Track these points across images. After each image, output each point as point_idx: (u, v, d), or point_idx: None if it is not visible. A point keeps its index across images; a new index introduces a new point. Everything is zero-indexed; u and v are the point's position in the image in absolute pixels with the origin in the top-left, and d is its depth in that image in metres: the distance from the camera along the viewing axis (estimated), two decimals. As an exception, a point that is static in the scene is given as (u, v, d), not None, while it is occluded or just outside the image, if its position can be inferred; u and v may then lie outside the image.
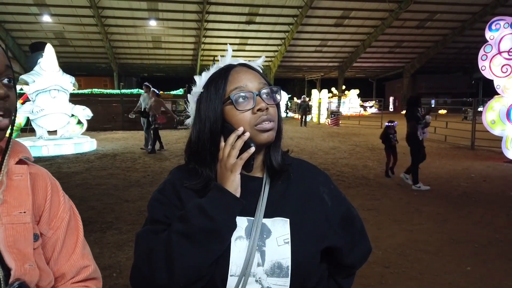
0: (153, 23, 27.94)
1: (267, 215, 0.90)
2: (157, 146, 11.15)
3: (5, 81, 0.77)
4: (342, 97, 34.49)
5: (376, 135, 16.08)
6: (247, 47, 32.23)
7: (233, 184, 0.86)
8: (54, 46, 11.74)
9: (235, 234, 0.87)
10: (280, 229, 0.90)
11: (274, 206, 0.92)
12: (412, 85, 41.15)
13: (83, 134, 12.36)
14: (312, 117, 26.12)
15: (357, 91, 35.27)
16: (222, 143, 0.90)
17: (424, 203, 5.80)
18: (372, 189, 6.62)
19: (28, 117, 11.14)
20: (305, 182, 0.99)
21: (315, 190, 0.98)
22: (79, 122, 12.18)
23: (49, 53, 11.02)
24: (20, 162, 0.83)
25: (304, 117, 22.18)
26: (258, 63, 1.02)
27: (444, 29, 32.11)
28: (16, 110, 0.82)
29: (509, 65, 9.16)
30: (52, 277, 0.82)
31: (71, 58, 31.25)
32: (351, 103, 34.64)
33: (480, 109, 16.01)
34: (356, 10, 28.02)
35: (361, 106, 35.69)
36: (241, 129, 0.88)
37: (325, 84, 33.60)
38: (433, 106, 22.39)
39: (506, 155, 9.37)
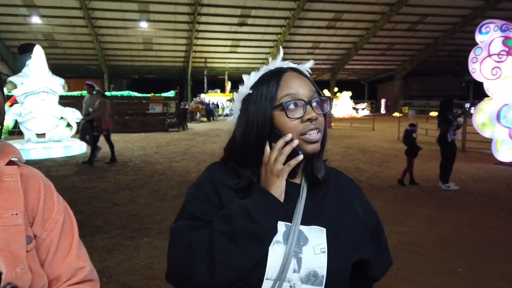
0: (144, 24, 27.82)
1: (304, 222, 0.90)
2: (115, 153, 9.93)
3: None
4: (334, 99, 34.64)
5: (368, 137, 16.18)
6: (239, 49, 32.27)
7: (278, 190, 0.86)
8: (43, 47, 11.59)
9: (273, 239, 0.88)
10: (317, 237, 0.90)
11: (310, 214, 0.92)
12: (404, 88, 41.49)
13: (72, 136, 12.22)
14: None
15: (349, 93, 35.47)
16: (268, 148, 0.90)
17: (415, 205, 5.81)
18: (364, 192, 6.57)
19: (16, 120, 10.99)
20: (341, 192, 1.00)
21: (350, 201, 0.99)
22: (69, 125, 12.04)
23: (38, 54, 10.89)
24: (10, 163, 0.82)
25: None
26: (306, 67, 1.03)
27: (435, 32, 32.45)
28: (4, 113, 0.80)
29: (499, 68, 9.25)
30: (45, 280, 0.80)
31: (61, 59, 30.99)
32: (344, 105, 34.82)
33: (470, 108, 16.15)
34: (348, 12, 28.21)
35: (353, 108, 35.88)
36: (290, 136, 0.88)
37: (318, 86, 33.60)
38: (425, 108, 22.57)
39: (496, 157, 9.46)
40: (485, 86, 9.60)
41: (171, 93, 20.81)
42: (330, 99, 0.97)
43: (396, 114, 25.25)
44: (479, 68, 9.53)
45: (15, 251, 0.73)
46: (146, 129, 19.12)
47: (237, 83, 1.06)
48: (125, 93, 21.18)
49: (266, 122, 0.91)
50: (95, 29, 27.73)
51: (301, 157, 0.86)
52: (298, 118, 0.89)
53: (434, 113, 24.96)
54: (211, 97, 34.05)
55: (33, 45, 11.28)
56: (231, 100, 36.02)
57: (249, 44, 31.84)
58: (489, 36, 9.47)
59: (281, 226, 0.89)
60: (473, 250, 4.04)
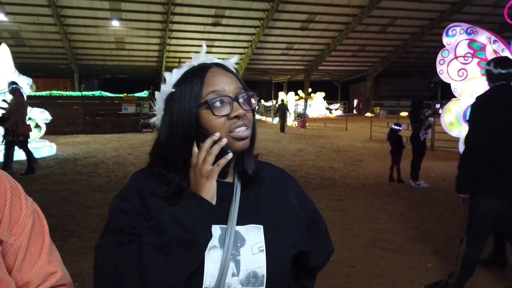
0: (115, 23, 27.23)
1: (240, 222, 0.87)
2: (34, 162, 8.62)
3: None
4: (308, 99, 35.03)
5: (341, 137, 16.46)
6: (214, 49, 32.07)
7: (209, 192, 0.81)
8: (9, 46, 11.16)
9: (208, 244, 0.83)
10: (254, 236, 0.87)
11: (246, 213, 0.89)
12: (375, 88, 42.42)
13: (41, 138, 11.82)
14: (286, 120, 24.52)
15: (322, 94, 35.94)
16: (196, 149, 0.84)
17: (387, 202, 5.97)
18: (338, 190, 6.74)
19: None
20: (275, 186, 0.97)
21: (285, 194, 0.97)
22: (37, 126, 11.63)
23: (4, 53, 10.49)
24: None
25: (283, 122, 19.66)
26: (231, 62, 0.97)
27: (404, 34, 33.36)
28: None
29: (465, 69, 9.60)
30: (13, 287, 0.76)
31: (28, 58, 29.92)
32: (317, 105, 35.25)
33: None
34: (321, 14, 28.58)
35: (327, 108, 36.39)
36: (217, 135, 0.83)
37: (292, 86, 33.99)
38: (395, 108, 23.13)
39: (462, 155, 9.80)
40: (452, 87, 9.96)
41: (144, 93, 20.47)
42: (256, 95, 0.93)
43: (368, 114, 25.79)
44: (446, 69, 9.87)
45: None
46: (119, 130, 18.74)
47: None
48: (97, 93, 20.67)
49: (192, 122, 0.86)
50: (64, 27, 26.90)
51: (230, 155, 0.82)
52: (225, 115, 0.85)
53: (404, 113, 25.67)
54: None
55: (-1, 43, 10.85)
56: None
57: (223, 44, 31.72)
58: (455, 38, 9.81)
59: (216, 229, 0.85)
60: (442, 246, 4.19)
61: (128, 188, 0.90)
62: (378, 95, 42.40)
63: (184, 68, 0.93)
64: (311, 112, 32.74)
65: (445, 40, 10.11)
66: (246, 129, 0.86)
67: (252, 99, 0.91)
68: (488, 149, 2.71)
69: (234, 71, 0.96)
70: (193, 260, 0.80)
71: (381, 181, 7.54)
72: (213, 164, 0.82)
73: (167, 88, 0.91)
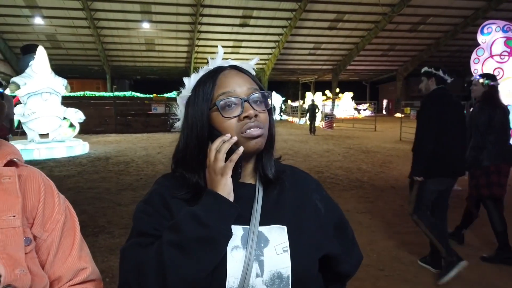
0: (146, 25, 27.85)
1: (263, 222, 0.86)
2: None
3: None
4: (336, 100, 34.64)
5: (369, 138, 16.16)
6: (241, 50, 32.26)
7: (226, 188, 0.81)
8: (46, 48, 11.64)
9: (230, 244, 0.82)
10: (277, 237, 0.86)
11: (269, 214, 0.88)
12: (406, 88, 41.44)
13: (75, 137, 12.26)
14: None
15: (351, 94, 35.46)
16: (210, 145, 0.86)
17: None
18: (366, 192, 6.63)
19: (19, 120, 11.02)
20: (298, 189, 0.96)
21: (309, 197, 0.96)
22: (71, 125, 12.08)
23: (41, 55, 10.94)
24: (10, 163, 0.81)
25: (313, 123, 18.45)
26: (251, 64, 0.98)
27: (436, 32, 32.40)
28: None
29: (501, 68, 9.24)
30: (46, 281, 0.80)
31: (63, 60, 31.05)
32: (345, 106, 34.79)
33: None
34: (349, 13, 28.18)
35: (355, 109, 35.89)
36: (228, 135, 0.84)
37: (319, 87, 33.73)
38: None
39: (498, 157, 9.43)
40: (488, 87, 9.59)
41: (173, 94, 20.84)
42: (271, 94, 0.91)
43: (398, 115, 25.23)
44: (481, 69, 9.52)
45: (13, 253, 0.73)
46: (148, 130, 19.18)
47: None
48: (128, 93, 21.22)
49: (204, 124, 0.87)
50: (97, 30, 27.77)
51: (241, 149, 0.82)
52: (234, 116, 0.85)
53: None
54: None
55: (36, 46, 11.33)
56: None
57: (250, 45, 31.84)
58: (491, 36, 9.47)
59: (239, 230, 0.84)
60: (476, 251, 4.03)
61: (152, 192, 0.91)
62: (409, 95, 41.37)
63: (201, 72, 0.94)
64: (339, 113, 32.36)
65: (480, 38, 9.78)
66: (258, 128, 0.85)
67: (267, 99, 0.90)
68: (437, 139, 3.26)
69: (253, 72, 0.96)
70: (212, 258, 0.79)
71: (411, 183, 7.35)
72: (227, 161, 0.83)
73: (185, 92, 0.94)
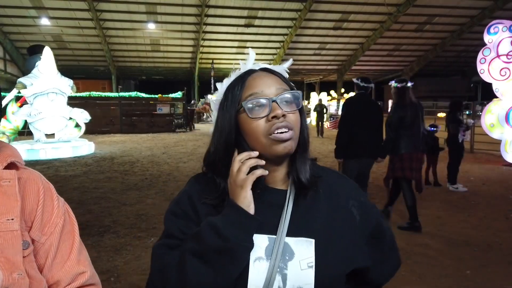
0: (151, 26, 27.95)
1: (291, 233, 0.83)
2: None
3: None
4: (341, 100, 34.50)
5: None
6: (246, 50, 32.21)
7: (245, 201, 0.80)
8: (52, 49, 11.71)
9: (253, 254, 0.81)
10: (304, 251, 0.82)
11: (298, 224, 0.84)
12: (411, 88, 41.20)
13: (81, 137, 12.32)
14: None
15: (356, 94, 35.27)
16: (236, 156, 0.85)
17: (423, 206, 5.77)
18: (370, 192, 6.59)
19: (25, 120, 11.10)
20: (333, 195, 0.91)
21: (344, 204, 0.91)
22: (77, 125, 12.14)
23: (47, 56, 11.00)
24: (10, 166, 0.80)
25: (320, 124, 17.58)
26: (283, 66, 0.97)
27: (442, 32, 32.21)
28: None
29: (508, 68, 9.16)
30: (45, 285, 0.79)
31: (70, 61, 31.24)
32: (350, 106, 34.59)
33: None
34: (355, 13, 28.11)
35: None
36: (256, 153, 0.83)
37: (324, 87, 33.65)
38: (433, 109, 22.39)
39: (505, 158, 9.36)
40: (494, 87, 9.52)
41: (178, 94, 20.90)
42: (301, 94, 0.88)
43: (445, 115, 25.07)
44: (488, 68, 9.45)
45: (11, 256, 0.72)
46: (153, 130, 19.24)
47: None
48: (133, 94, 21.30)
49: (231, 128, 0.86)
50: (103, 30, 27.91)
51: (266, 172, 0.82)
52: (262, 117, 0.83)
53: (442, 114, 24.76)
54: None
55: (42, 47, 11.41)
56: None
57: (255, 45, 31.81)
58: (497, 36, 9.39)
59: (263, 240, 0.82)
60: (481, 253, 4.01)
61: (182, 193, 0.92)
62: (414, 95, 41.14)
63: (233, 76, 0.94)
64: (344, 113, 32.15)
65: (487, 38, 9.71)
66: (288, 131, 0.82)
67: (298, 99, 0.87)
68: (351, 131, 4.37)
69: (285, 74, 0.95)
70: (232, 269, 0.78)
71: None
72: (250, 173, 0.81)
73: (218, 97, 0.93)
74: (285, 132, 0.82)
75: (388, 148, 4.64)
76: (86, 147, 11.55)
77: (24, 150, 10.13)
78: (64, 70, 14.14)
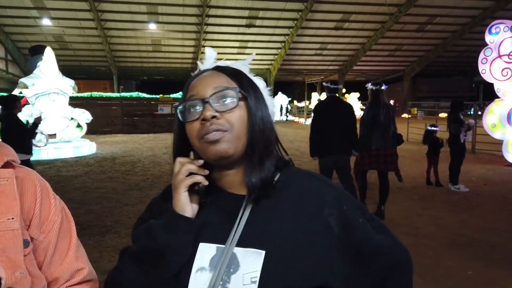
0: (152, 26, 27.97)
1: (241, 243, 0.75)
2: None
3: None
4: (343, 99, 34.51)
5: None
6: (247, 51, 32.29)
7: (178, 203, 0.76)
8: (53, 49, 11.74)
9: (196, 265, 0.76)
10: (250, 263, 0.73)
11: (252, 233, 0.75)
12: (413, 89, 41.21)
13: (82, 137, 12.34)
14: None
15: (357, 94, 35.25)
16: (178, 158, 0.80)
17: (425, 207, 5.77)
18: (372, 193, 6.58)
19: (27, 121, 11.11)
20: (304, 202, 0.78)
21: (316, 212, 0.77)
22: (79, 126, 12.17)
23: (48, 56, 11.03)
24: (6, 165, 0.79)
25: None
26: (245, 62, 0.91)
27: (444, 32, 32.18)
28: None
29: (509, 69, 9.14)
30: (44, 282, 0.79)
31: (71, 61, 31.28)
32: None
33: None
34: (356, 13, 28.10)
35: (361, 109, 35.68)
36: (201, 161, 0.79)
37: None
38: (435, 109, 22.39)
39: (507, 158, 9.34)
40: (496, 87, 9.51)
41: (179, 94, 20.90)
42: (237, 90, 0.79)
43: (405, 115, 25.08)
44: (489, 69, 9.44)
45: (12, 256, 0.72)
46: (155, 130, 19.26)
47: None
48: (134, 94, 21.34)
49: (177, 133, 0.84)
50: (104, 31, 27.94)
51: (206, 183, 0.78)
52: (193, 120, 0.78)
53: (443, 114, 24.73)
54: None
55: (44, 47, 11.44)
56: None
57: (257, 45, 31.84)
58: (499, 36, 9.38)
59: (211, 249, 0.76)
60: (484, 253, 4.00)
61: (151, 200, 0.92)
62: (416, 96, 41.16)
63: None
64: (345, 113, 32.18)
65: (488, 38, 9.70)
66: (218, 132, 0.76)
67: (231, 98, 0.78)
68: (323, 131, 4.81)
69: (246, 69, 0.88)
70: (161, 273, 0.75)
71: (418, 184, 7.31)
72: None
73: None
74: (216, 133, 0.76)
75: (362, 143, 5.09)
76: (87, 147, 11.58)
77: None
78: (66, 70, 14.16)
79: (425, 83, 42.75)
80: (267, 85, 0.91)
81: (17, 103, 5.07)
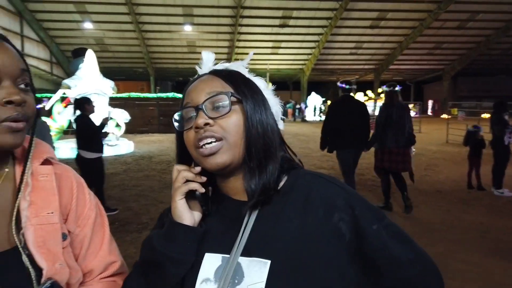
0: (188, 28, 28.51)
1: (247, 252, 0.71)
2: None
3: (22, 86, 0.75)
4: (378, 100, 33.73)
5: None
6: (280, 51, 32.26)
7: (175, 211, 0.75)
8: (94, 51, 12.19)
9: (201, 276, 0.74)
10: (255, 274, 0.69)
11: (257, 241, 0.72)
12: (453, 88, 39.64)
13: (121, 136, 12.75)
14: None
15: (393, 94, 34.39)
16: (175, 165, 0.81)
17: (465, 211, 5.54)
18: (410, 196, 6.40)
19: (70, 120, 11.61)
20: (311, 207, 0.73)
21: (326, 218, 0.72)
22: (117, 125, 12.58)
23: (90, 58, 11.47)
24: (45, 162, 0.84)
25: None
26: (243, 63, 0.88)
27: (487, 29, 30.72)
28: (36, 114, 0.79)
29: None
30: (80, 274, 0.83)
31: (111, 63, 32.40)
32: (387, 106, 33.76)
33: None
34: (393, 11, 27.36)
35: (398, 109, 34.72)
36: (198, 169, 0.77)
37: (360, 87, 32.94)
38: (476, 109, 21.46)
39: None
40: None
41: (213, 95, 21.14)
42: (229, 94, 0.75)
43: (445, 116, 24.19)
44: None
45: (52, 248, 0.75)
46: (189, 130, 19.58)
47: (278, 84, 0.96)
48: (170, 94, 21.79)
49: (177, 142, 0.84)
50: (142, 33, 28.78)
51: (202, 190, 0.76)
52: (187, 129, 0.77)
53: (486, 115, 23.60)
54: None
55: (86, 49, 11.91)
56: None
57: (290, 45, 31.72)
58: (549, 33, 8.85)
59: (216, 259, 0.74)
60: (530, 261, 3.80)
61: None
62: (456, 95, 39.53)
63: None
64: (381, 113, 31.45)
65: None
66: (213, 142, 0.73)
67: (224, 103, 0.75)
68: (338, 128, 5.24)
69: (244, 71, 0.85)
70: (162, 284, 0.74)
71: (459, 187, 7.03)
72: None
73: None
74: (209, 144, 0.73)
75: (373, 142, 5.48)
76: (125, 146, 11.94)
77: (69, 148, 10.61)
78: (106, 72, 14.67)
79: (466, 82, 40.98)
80: (292, 87, 0.85)
81: (87, 105, 5.36)
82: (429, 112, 42.41)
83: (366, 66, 36.81)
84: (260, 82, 0.85)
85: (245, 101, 0.77)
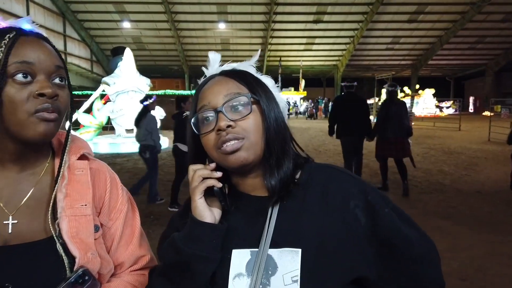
0: (222, 25, 28.79)
1: (275, 244, 0.75)
2: None
3: (57, 80, 0.79)
4: (415, 97, 32.68)
5: (453, 138, 14.99)
6: (314, 47, 31.95)
7: (196, 211, 0.76)
8: (132, 50, 12.58)
9: (233, 272, 0.76)
10: (288, 263, 0.73)
11: (284, 233, 0.76)
12: (496, 84, 37.73)
13: (156, 132, 13.05)
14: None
15: (432, 91, 33.16)
16: (191, 165, 0.81)
17: (509, 213, 5.28)
18: (447, 196, 6.19)
19: (108, 116, 12.05)
20: (329, 197, 0.78)
21: (343, 206, 0.77)
22: (153, 121, 12.88)
23: (128, 56, 11.84)
24: (82, 157, 0.88)
25: None
26: (250, 62, 0.90)
27: (535, 21, 29.01)
28: (70, 109, 0.82)
29: None
30: (112, 265, 0.87)
31: (147, 61, 33.28)
32: (426, 103, 32.68)
33: None
34: (432, 4, 26.40)
35: (437, 106, 33.51)
36: (213, 165, 0.79)
37: (397, 83, 32.05)
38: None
39: None
40: None
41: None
42: (249, 96, 0.78)
43: (487, 113, 23.10)
44: None
45: (85, 238, 0.79)
46: (222, 127, 19.77)
47: (311, 81, 0.94)
48: (204, 91, 22.11)
49: (191, 145, 0.84)
50: (177, 31, 29.35)
51: (219, 184, 0.76)
52: (208, 132, 0.77)
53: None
54: (285, 95, 34.16)
55: (124, 48, 12.32)
56: (304, 99, 35.51)
57: (324, 41, 31.33)
58: None
59: (245, 254, 0.76)
60: None
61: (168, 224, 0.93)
62: (500, 92, 37.59)
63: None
64: (418, 110, 30.52)
65: None
66: (236, 142, 0.75)
67: (245, 105, 0.77)
68: (341, 118, 6.35)
69: (252, 70, 0.88)
70: (191, 284, 0.75)
71: (501, 188, 6.70)
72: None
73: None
74: (232, 143, 0.75)
75: (374, 133, 6.38)
76: (161, 142, 12.21)
77: (107, 143, 11.02)
78: (142, 69, 15.09)
79: (511, 78, 38.91)
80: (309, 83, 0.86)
81: (182, 103, 5.93)
82: (470, 109, 40.66)
83: (403, 62, 35.76)
84: (267, 80, 0.88)
85: (262, 100, 0.80)
